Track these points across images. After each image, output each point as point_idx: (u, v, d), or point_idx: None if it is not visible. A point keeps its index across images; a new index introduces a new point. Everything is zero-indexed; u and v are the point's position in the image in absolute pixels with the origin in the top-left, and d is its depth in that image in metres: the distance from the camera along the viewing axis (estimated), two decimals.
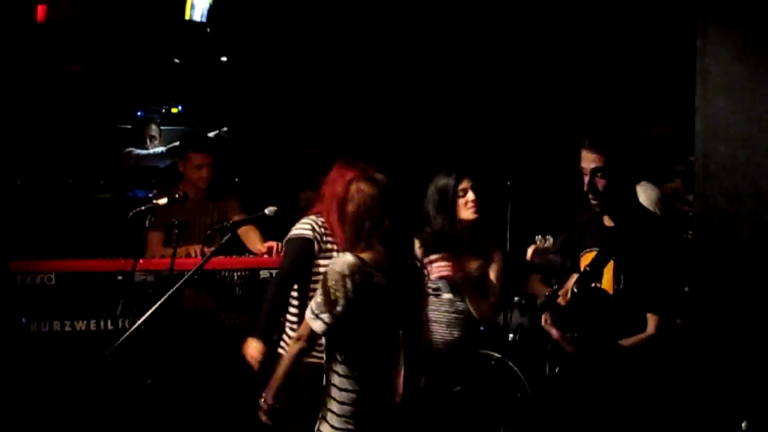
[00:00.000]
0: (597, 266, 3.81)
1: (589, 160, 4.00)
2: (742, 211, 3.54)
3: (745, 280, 3.53)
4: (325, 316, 3.50)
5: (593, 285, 3.81)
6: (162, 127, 7.41)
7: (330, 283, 3.50)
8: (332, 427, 3.55)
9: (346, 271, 3.50)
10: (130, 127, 7.37)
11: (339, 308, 3.49)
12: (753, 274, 3.51)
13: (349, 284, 3.49)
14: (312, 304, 3.58)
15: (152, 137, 7.30)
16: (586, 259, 4.00)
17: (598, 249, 3.94)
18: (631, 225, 3.90)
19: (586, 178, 4.01)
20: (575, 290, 3.79)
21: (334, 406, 3.56)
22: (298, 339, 3.62)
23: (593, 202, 4.02)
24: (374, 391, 3.58)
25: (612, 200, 3.95)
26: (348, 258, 3.55)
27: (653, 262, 3.82)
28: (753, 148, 3.54)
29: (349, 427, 3.53)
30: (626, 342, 3.84)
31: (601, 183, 3.98)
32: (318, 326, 3.52)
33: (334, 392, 3.57)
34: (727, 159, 3.57)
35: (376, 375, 3.59)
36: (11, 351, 4.61)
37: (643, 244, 3.84)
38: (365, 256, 3.58)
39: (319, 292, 3.55)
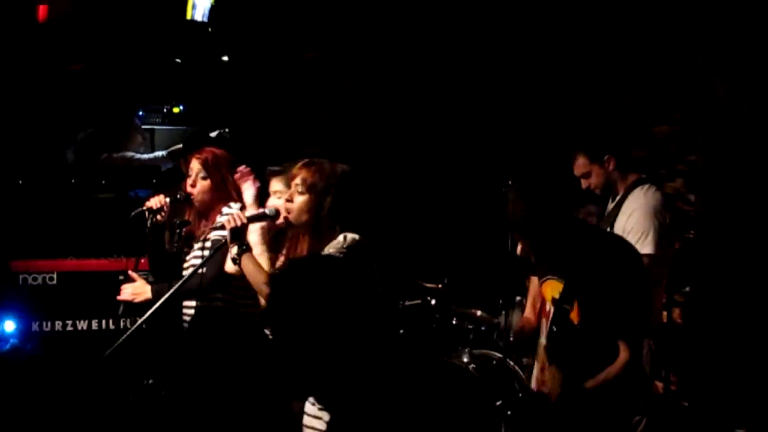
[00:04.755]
0: (568, 299, 3.55)
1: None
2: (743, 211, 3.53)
3: (745, 280, 3.53)
4: None
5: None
6: (163, 127, 7.39)
7: None
8: None
9: None
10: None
11: None
12: (753, 274, 3.50)
13: None
14: None
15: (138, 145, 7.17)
16: (548, 286, 3.69)
17: (557, 278, 3.67)
18: (581, 253, 3.59)
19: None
20: (554, 328, 3.56)
21: None
22: None
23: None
24: None
25: (549, 238, 3.67)
26: None
27: (611, 286, 3.52)
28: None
29: None
30: (597, 379, 3.44)
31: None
32: None
33: None
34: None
35: None
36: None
37: (597, 269, 3.53)
38: None
39: None
